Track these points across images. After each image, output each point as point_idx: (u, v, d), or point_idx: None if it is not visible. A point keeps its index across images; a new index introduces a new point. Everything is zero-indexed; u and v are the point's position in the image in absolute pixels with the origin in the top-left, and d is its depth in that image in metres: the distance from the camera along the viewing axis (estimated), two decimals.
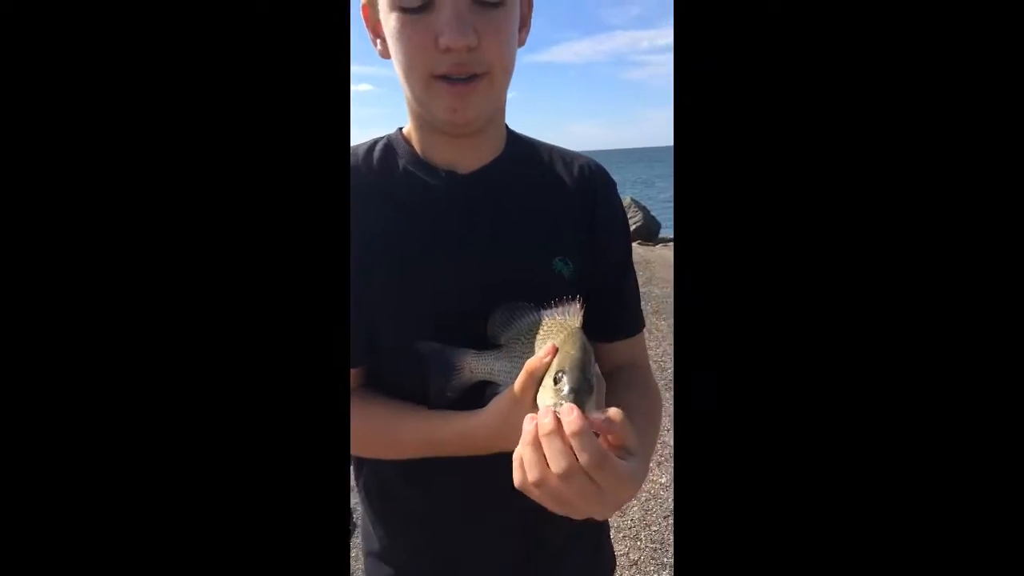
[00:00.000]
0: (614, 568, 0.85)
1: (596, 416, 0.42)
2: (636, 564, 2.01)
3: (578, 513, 0.44)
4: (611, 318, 0.73)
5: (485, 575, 0.72)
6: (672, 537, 2.13)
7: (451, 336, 0.63)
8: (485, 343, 0.62)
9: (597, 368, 0.48)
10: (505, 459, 0.66)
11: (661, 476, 2.52)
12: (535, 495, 0.45)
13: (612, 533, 2.15)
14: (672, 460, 2.63)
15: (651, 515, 2.27)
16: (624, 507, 2.29)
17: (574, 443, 0.41)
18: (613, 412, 0.44)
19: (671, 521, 2.22)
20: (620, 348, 0.74)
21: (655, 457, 2.66)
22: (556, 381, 0.46)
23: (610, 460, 0.41)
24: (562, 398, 0.45)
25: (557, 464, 0.41)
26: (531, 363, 0.51)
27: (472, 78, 0.59)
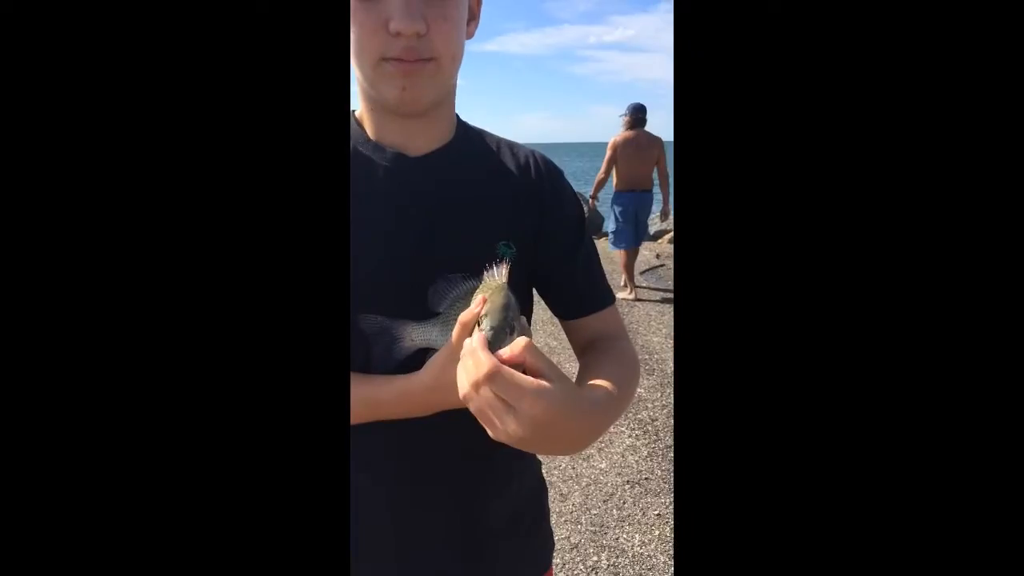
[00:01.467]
0: (552, 548, 0.88)
1: (503, 350, 0.47)
2: (576, 547, 2.06)
3: (498, 430, 0.47)
4: (573, 296, 0.77)
5: (421, 553, 0.74)
6: (611, 520, 2.20)
7: (393, 311, 0.65)
8: (426, 316, 0.64)
9: (524, 320, 0.51)
10: (441, 437, 0.69)
11: (601, 462, 2.59)
12: (471, 410, 0.49)
13: (554, 518, 2.19)
14: (611, 447, 2.71)
15: (591, 499, 2.33)
16: (566, 492, 2.35)
17: (471, 360, 0.47)
18: (518, 341, 0.48)
19: (610, 505, 2.29)
20: (590, 323, 0.77)
21: (596, 443, 2.72)
22: (479, 324, 0.51)
23: (503, 372, 0.45)
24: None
25: (466, 379, 0.48)
26: (463, 315, 0.54)
27: (420, 60, 0.61)
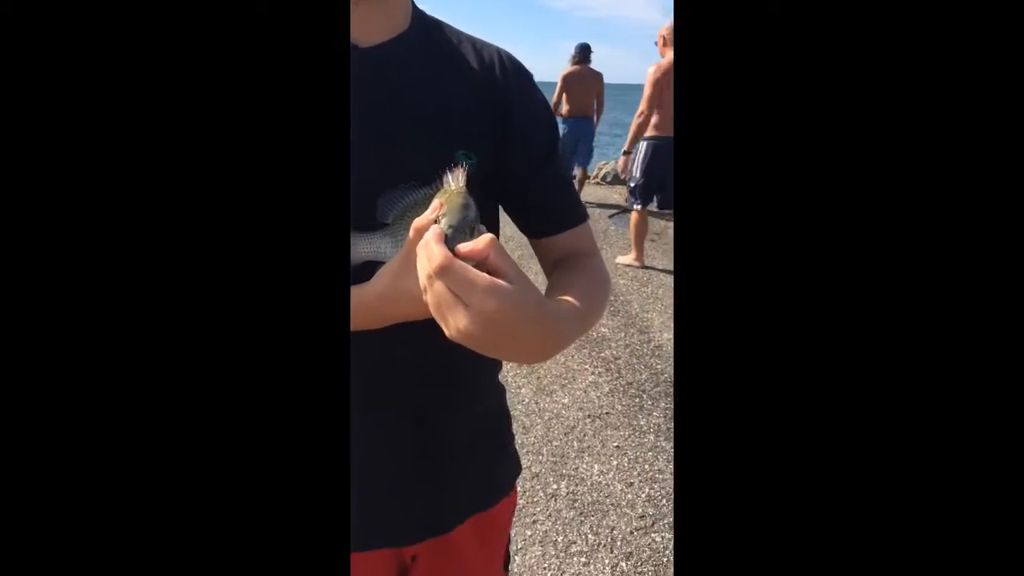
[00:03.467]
0: (519, 471, 0.87)
1: (464, 244, 0.45)
2: (537, 476, 2.13)
3: (450, 326, 0.46)
4: (544, 213, 0.72)
5: (380, 472, 0.72)
6: (571, 451, 2.27)
7: None
8: (373, 228, 0.61)
9: (483, 228, 0.50)
10: (395, 353, 0.66)
11: (564, 397, 2.65)
12: (429, 306, 0.48)
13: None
14: (573, 383, 2.77)
15: (552, 432, 2.39)
16: (529, 425, 2.41)
17: (424, 253, 0.46)
18: (482, 237, 0.46)
19: (571, 437, 2.36)
20: (561, 241, 0.73)
21: (559, 380, 2.79)
22: (437, 223, 0.48)
23: (454, 266, 0.44)
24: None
25: (421, 274, 0.46)
26: (418, 221, 0.51)
27: None
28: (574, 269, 0.69)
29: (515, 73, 0.70)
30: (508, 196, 0.72)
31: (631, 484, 2.10)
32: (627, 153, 4.16)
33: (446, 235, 0.46)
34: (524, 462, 2.18)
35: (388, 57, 0.64)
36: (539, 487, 2.07)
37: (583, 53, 5.30)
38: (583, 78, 5.27)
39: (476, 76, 0.68)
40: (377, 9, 0.63)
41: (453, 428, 0.75)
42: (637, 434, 2.39)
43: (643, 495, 2.04)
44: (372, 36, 0.64)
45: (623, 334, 3.27)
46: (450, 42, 0.69)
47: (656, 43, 4.02)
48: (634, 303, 3.70)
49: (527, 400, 2.62)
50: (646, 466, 2.19)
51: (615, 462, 2.22)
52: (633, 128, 4.03)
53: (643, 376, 2.84)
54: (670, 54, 3.83)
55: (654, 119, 3.96)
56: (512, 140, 0.68)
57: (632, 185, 4.17)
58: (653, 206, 4.18)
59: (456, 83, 0.67)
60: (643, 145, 4.07)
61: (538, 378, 2.79)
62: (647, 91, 3.88)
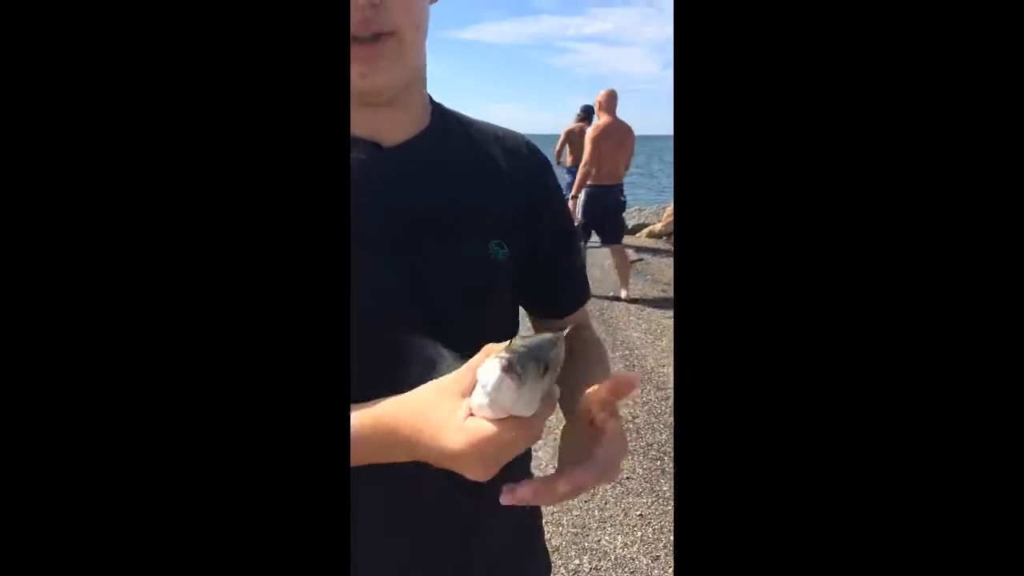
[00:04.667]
0: (550, 570, 0.84)
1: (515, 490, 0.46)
2: (558, 550, 2.03)
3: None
4: (556, 297, 0.74)
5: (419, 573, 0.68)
6: (592, 521, 2.17)
7: (369, 318, 0.58)
8: (404, 323, 0.59)
9: (557, 353, 0.46)
10: (428, 470, 0.62)
11: None
12: None
13: None
14: None
15: (573, 500, 2.30)
16: None
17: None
18: (528, 486, 0.46)
19: (591, 506, 2.26)
20: (565, 321, 0.73)
21: None
22: (498, 355, 0.43)
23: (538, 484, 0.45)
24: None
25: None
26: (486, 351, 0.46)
27: (378, 37, 0.55)
28: (592, 348, 0.70)
29: (535, 161, 0.71)
30: (523, 280, 0.70)
31: (657, 558, 1.99)
32: (573, 198, 4.88)
33: (510, 360, 0.41)
34: (544, 533, 2.08)
35: (413, 153, 0.64)
36: (560, 563, 1.97)
37: (586, 113, 6.03)
38: (584, 134, 5.81)
39: (499, 166, 0.68)
40: (396, 110, 0.63)
41: (489, 531, 0.71)
42: (661, 501, 2.29)
43: (671, 570, 1.93)
44: (394, 135, 0.64)
45: (639, 391, 3.19)
46: (471, 134, 0.69)
47: (593, 106, 4.86)
48: (648, 357, 3.63)
49: (544, 463, 2.53)
50: (672, 537, 2.09)
51: (639, 533, 2.11)
52: (579, 178, 4.76)
53: (663, 436, 2.75)
54: (604, 117, 4.68)
55: (592, 171, 4.74)
56: (540, 228, 0.68)
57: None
58: (596, 242, 5.04)
59: (480, 173, 0.66)
60: (583, 192, 4.87)
61: (555, 439, 2.70)
62: (587, 148, 4.66)
